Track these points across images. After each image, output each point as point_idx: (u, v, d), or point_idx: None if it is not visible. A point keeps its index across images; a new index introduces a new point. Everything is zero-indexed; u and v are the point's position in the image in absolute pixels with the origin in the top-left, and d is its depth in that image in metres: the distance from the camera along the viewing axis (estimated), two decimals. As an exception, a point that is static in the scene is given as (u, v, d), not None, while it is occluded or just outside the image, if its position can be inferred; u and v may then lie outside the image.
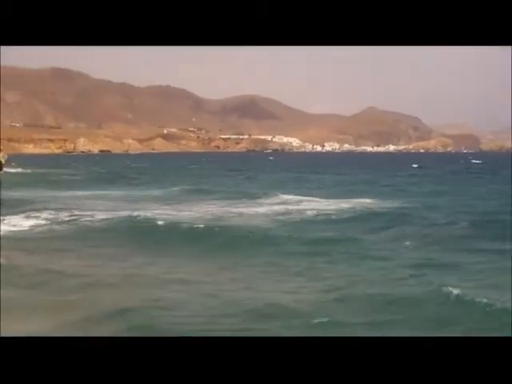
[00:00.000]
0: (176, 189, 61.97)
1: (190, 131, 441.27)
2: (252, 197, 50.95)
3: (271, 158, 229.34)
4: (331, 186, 67.36)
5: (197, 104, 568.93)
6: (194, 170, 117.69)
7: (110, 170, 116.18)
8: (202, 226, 30.70)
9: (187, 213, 38.84)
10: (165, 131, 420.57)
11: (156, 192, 60.04)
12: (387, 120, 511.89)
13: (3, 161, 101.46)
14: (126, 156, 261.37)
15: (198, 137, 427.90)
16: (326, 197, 49.90)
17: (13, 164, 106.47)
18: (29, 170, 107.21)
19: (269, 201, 47.65)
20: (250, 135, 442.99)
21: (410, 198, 50.34)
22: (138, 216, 34.66)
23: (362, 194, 52.48)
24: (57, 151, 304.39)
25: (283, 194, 52.12)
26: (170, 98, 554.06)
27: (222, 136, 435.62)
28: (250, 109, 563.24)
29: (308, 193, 54.54)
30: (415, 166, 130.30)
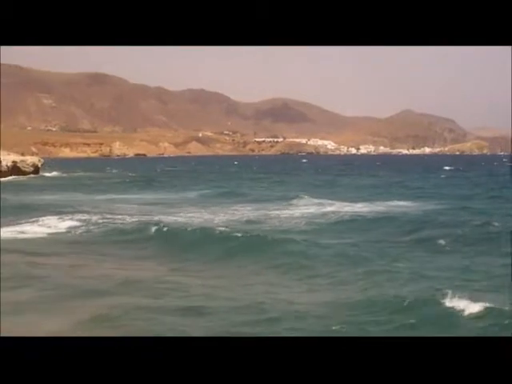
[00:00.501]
0: (210, 191, 62.10)
1: (224, 134, 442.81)
2: (285, 199, 50.94)
3: (304, 160, 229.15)
4: (364, 189, 66.95)
5: (231, 107, 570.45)
6: (228, 173, 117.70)
7: (145, 173, 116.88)
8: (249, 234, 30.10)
9: (222, 216, 39.02)
10: (200, 135, 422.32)
11: (191, 194, 60.29)
12: (422, 122, 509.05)
13: (39, 164, 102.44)
14: (161, 159, 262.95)
15: (233, 140, 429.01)
16: (358, 200, 49.74)
17: (47, 168, 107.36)
18: (65, 174, 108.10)
19: (302, 203, 47.54)
20: (284, 138, 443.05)
21: (445, 200, 49.85)
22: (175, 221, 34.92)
23: (396, 197, 52.35)
24: (92, 155, 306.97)
25: (315, 197, 51.94)
26: (205, 102, 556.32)
27: (257, 139, 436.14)
28: (284, 112, 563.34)
29: (340, 196, 54.40)
30: (447, 168, 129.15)
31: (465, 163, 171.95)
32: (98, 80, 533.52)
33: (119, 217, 36.78)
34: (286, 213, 40.65)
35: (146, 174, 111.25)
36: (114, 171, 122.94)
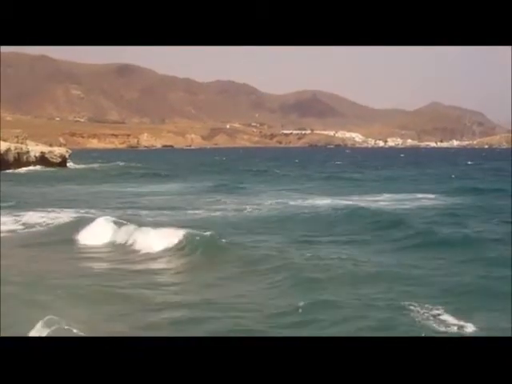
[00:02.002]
0: (241, 185, 62.09)
1: (252, 126, 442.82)
2: (304, 192, 50.95)
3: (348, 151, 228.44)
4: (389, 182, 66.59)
5: (259, 99, 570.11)
6: (256, 164, 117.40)
7: (174, 164, 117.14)
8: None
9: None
10: (227, 126, 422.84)
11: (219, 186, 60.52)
12: (451, 115, 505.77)
13: (67, 155, 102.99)
14: (188, 150, 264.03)
15: (261, 132, 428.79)
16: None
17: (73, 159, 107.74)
18: (93, 165, 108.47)
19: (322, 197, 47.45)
20: (312, 130, 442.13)
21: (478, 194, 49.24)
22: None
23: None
24: (120, 146, 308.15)
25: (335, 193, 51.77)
26: (233, 94, 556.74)
27: (284, 131, 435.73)
28: (312, 104, 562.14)
29: (368, 190, 54.26)
30: (470, 162, 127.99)
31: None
32: (126, 71, 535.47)
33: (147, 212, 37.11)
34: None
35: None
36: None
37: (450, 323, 13.86)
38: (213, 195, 48.62)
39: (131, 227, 27.21)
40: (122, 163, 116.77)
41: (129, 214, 35.15)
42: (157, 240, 24.62)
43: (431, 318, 14.22)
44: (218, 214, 36.17)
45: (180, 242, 24.17)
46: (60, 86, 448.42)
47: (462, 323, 13.71)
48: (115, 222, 28.32)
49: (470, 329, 13.27)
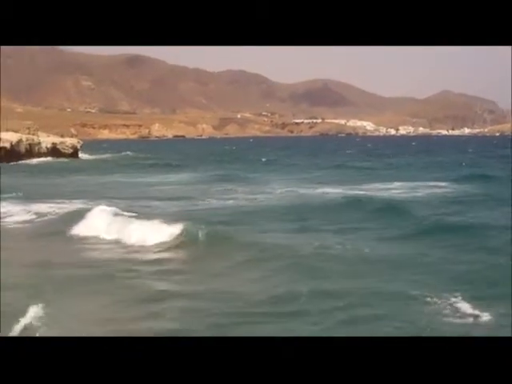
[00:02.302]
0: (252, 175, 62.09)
1: (263, 116, 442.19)
2: (314, 182, 50.96)
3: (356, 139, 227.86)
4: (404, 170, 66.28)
5: (270, 89, 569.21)
6: (266, 153, 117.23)
7: (185, 154, 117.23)
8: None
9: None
10: (238, 116, 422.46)
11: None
12: (462, 103, 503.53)
13: (78, 146, 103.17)
14: (199, 140, 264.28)
15: (272, 121, 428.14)
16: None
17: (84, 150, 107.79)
18: (105, 156, 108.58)
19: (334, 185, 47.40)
20: (323, 119, 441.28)
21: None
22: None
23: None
24: (132, 137, 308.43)
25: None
26: (244, 83, 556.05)
27: (296, 120, 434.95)
28: (324, 93, 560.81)
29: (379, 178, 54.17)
30: (470, 150, 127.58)
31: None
32: (136, 62, 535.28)
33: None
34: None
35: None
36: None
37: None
38: (223, 184, 48.68)
39: (128, 218, 26.99)
40: (133, 153, 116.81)
41: (139, 204, 35.24)
42: (154, 231, 24.25)
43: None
44: (229, 202, 36.27)
45: (178, 233, 23.78)
46: (70, 77, 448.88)
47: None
48: (113, 213, 28.28)
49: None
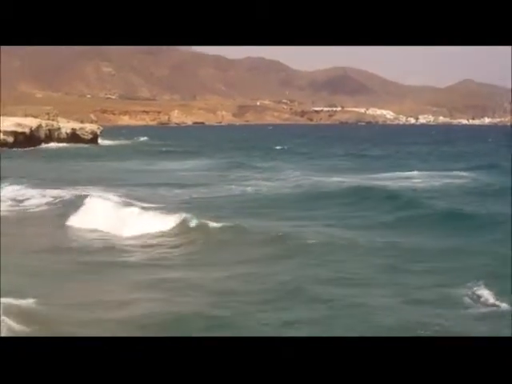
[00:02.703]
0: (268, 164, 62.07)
1: (282, 103, 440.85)
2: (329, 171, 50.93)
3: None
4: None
5: (289, 76, 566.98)
6: (283, 141, 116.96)
7: (204, 141, 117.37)
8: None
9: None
10: (258, 103, 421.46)
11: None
12: (482, 92, 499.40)
13: (98, 132, 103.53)
14: (218, 127, 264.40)
15: (291, 109, 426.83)
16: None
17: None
18: (125, 142, 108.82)
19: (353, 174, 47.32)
20: (343, 107, 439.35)
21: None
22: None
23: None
24: (151, 123, 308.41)
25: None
26: (264, 71, 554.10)
27: (315, 108, 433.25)
28: (343, 81, 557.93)
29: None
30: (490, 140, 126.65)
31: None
32: (156, 48, 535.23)
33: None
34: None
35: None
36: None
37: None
38: (237, 172, 48.81)
39: (125, 207, 27.16)
40: (152, 140, 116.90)
41: (156, 192, 35.38)
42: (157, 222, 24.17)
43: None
44: (234, 192, 36.53)
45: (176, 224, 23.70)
46: (91, 63, 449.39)
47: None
48: (111, 201, 28.30)
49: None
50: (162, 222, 24.08)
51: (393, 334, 11.02)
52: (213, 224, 23.07)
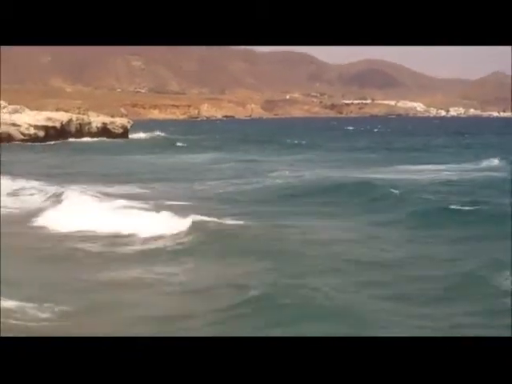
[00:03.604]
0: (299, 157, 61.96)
1: (312, 96, 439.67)
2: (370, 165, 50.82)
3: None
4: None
5: (319, 69, 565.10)
6: (306, 135, 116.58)
7: (242, 133, 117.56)
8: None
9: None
10: (287, 96, 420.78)
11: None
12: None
13: (128, 126, 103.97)
14: (247, 121, 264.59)
15: (321, 102, 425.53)
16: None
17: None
18: (156, 135, 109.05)
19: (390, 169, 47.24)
20: (373, 100, 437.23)
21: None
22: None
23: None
24: (181, 117, 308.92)
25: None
26: (293, 63, 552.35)
27: (345, 101, 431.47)
28: (373, 73, 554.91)
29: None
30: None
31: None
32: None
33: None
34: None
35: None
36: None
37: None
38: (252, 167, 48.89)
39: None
40: (184, 136, 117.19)
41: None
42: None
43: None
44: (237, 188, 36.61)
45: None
46: (120, 57, 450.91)
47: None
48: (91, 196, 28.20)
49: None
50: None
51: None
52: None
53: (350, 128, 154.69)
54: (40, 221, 25.11)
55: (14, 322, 12.52)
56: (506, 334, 11.25)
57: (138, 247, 20.72)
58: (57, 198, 29.05)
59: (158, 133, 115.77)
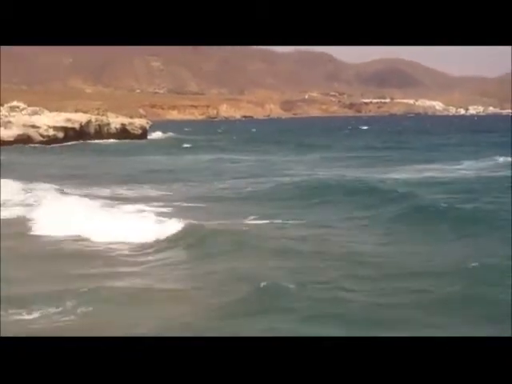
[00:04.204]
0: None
1: (331, 96, 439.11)
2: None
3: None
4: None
5: (337, 68, 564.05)
6: (321, 135, 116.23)
7: (263, 133, 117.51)
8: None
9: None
10: (306, 96, 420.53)
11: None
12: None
13: (147, 127, 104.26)
14: (266, 120, 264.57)
15: (339, 101, 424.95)
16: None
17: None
18: (175, 136, 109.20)
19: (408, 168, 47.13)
20: (392, 99, 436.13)
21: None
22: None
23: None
24: (200, 117, 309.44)
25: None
26: (311, 63, 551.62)
27: (364, 100, 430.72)
28: (392, 72, 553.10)
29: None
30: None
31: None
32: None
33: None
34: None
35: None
36: None
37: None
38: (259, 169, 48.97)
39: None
40: (203, 135, 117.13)
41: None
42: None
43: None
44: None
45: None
46: (139, 57, 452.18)
47: None
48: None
49: None
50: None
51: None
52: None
53: (367, 127, 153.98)
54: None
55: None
56: (506, 334, 11.17)
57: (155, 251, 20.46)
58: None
59: (175, 134, 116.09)
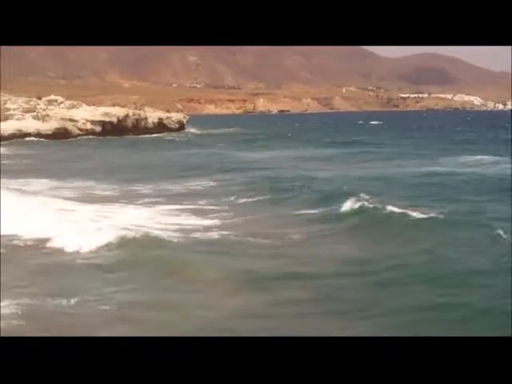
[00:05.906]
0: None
1: (368, 90, 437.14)
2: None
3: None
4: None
5: (375, 63, 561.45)
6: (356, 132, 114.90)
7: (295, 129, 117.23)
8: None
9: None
10: (343, 90, 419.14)
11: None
12: None
13: (185, 121, 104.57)
14: (302, 115, 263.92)
15: (377, 96, 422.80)
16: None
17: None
18: (214, 131, 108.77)
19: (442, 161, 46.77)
20: (429, 94, 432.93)
21: None
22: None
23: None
24: (237, 111, 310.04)
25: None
26: (348, 58, 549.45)
27: (402, 95, 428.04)
28: (430, 67, 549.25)
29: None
30: None
31: None
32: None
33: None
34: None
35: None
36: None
37: None
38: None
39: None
40: (240, 129, 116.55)
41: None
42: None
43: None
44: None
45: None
46: (176, 52, 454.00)
47: None
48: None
49: None
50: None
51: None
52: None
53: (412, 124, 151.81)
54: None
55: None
56: (506, 333, 11.03)
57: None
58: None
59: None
